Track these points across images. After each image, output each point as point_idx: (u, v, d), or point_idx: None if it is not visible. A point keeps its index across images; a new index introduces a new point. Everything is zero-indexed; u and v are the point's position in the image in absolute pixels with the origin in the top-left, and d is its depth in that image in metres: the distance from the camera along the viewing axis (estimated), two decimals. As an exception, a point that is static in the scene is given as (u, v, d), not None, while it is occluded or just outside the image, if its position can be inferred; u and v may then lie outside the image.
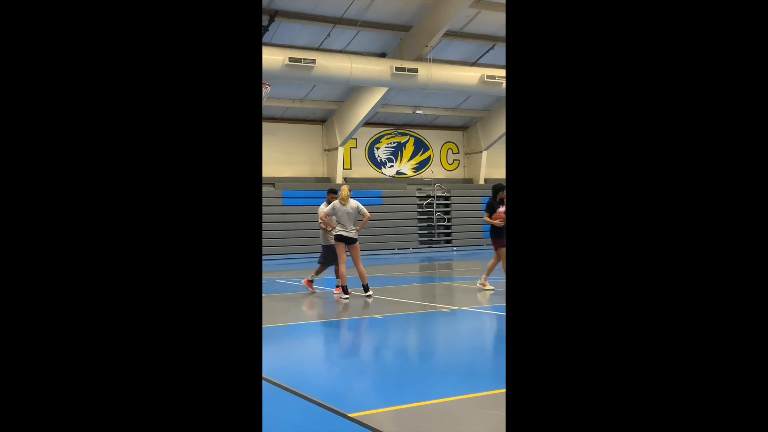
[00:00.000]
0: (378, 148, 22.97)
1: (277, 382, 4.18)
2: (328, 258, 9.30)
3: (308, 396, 3.79)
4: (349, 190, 8.84)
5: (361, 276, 8.79)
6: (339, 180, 21.34)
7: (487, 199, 9.09)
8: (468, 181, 24.41)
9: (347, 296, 8.66)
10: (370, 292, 8.65)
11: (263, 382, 4.26)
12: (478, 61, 18.87)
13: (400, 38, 17.75)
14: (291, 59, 15.53)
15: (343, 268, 8.81)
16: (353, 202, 8.68)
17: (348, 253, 8.76)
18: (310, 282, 9.51)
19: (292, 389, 3.96)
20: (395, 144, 23.25)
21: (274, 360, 5.27)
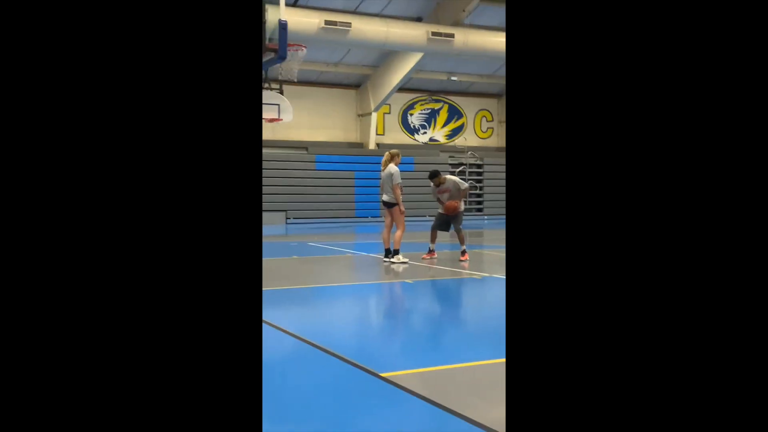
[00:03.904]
0: (411, 115, 22.84)
1: (309, 340, 4.27)
2: (434, 222, 9.40)
3: (340, 354, 3.86)
4: (389, 155, 8.86)
5: (384, 240, 8.91)
6: (372, 146, 21.32)
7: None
8: (501, 150, 24.19)
9: (387, 260, 8.75)
10: (392, 258, 8.72)
11: (297, 340, 4.35)
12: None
13: (436, 2, 17.51)
14: (327, 22, 15.44)
15: (385, 232, 8.92)
16: (389, 168, 8.71)
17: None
18: (431, 251, 9.39)
19: (325, 348, 4.04)
20: (429, 110, 23.09)
21: (306, 320, 5.37)
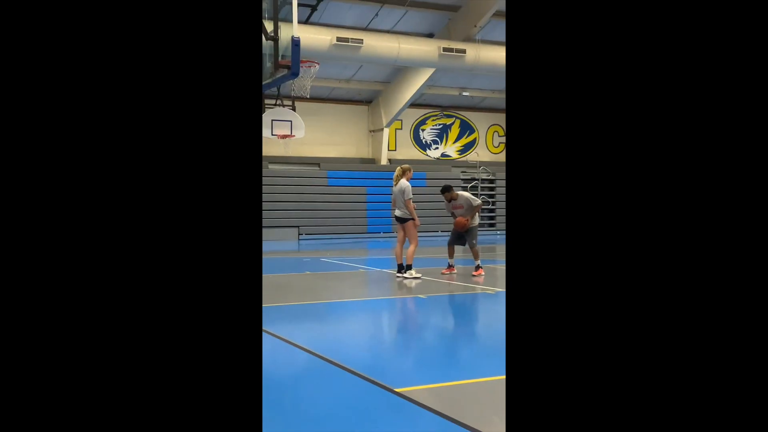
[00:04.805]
0: (423, 130, 22.89)
1: (323, 356, 4.25)
2: (450, 237, 9.43)
3: (355, 370, 3.84)
4: (401, 170, 8.89)
5: (397, 255, 8.91)
6: (384, 161, 21.37)
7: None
8: (513, 165, 24.15)
9: (399, 275, 8.73)
10: (404, 273, 8.70)
11: (311, 356, 4.34)
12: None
13: (448, 18, 17.59)
14: (339, 39, 15.55)
15: (398, 248, 8.92)
16: (401, 184, 8.73)
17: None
18: (450, 266, 9.37)
19: (339, 363, 4.02)
20: (441, 126, 23.13)
21: (320, 335, 5.35)
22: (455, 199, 9.17)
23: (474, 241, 9.19)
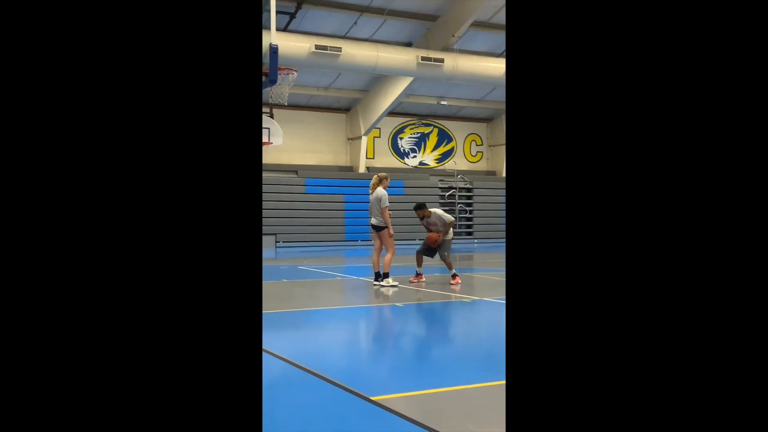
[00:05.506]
0: (401, 138, 22.94)
1: (299, 364, 4.23)
2: (420, 247, 9.41)
3: (330, 378, 3.82)
4: (378, 179, 8.90)
5: (374, 264, 8.93)
6: (362, 169, 21.37)
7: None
8: (491, 174, 24.30)
9: (376, 283, 8.73)
10: (381, 282, 8.70)
11: (287, 364, 4.31)
12: (505, 53, 18.74)
13: (426, 28, 17.69)
14: (317, 47, 15.55)
15: (375, 256, 8.92)
16: (377, 192, 8.74)
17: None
18: (418, 275, 9.33)
19: (315, 371, 4.00)
20: (419, 134, 23.20)
21: (296, 343, 5.32)
22: (428, 217, 9.21)
23: (446, 253, 9.22)
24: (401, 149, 22.96)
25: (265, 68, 9.17)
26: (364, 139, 21.35)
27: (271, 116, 14.30)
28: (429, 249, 9.28)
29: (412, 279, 9.22)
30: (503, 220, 21.71)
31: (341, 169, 21.80)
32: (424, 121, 23.18)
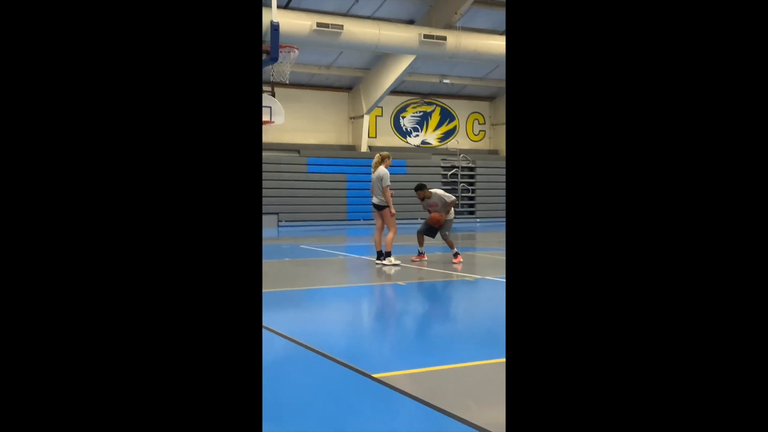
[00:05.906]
0: (404, 117, 22.86)
1: (302, 342, 4.25)
2: (421, 226, 9.41)
3: (333, 356, 3.84)
4: (380, 158, 8.87)
5: (376, 243, 8.94)
6: (364, 149, 21.32)
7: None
8: (493, 153, 24.23)
9: (379, 262, 8.75)
10: (383, 261, 8.72)
11: (290, 342, 4.33)
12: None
13: (429, 5, 17.54)
14: (319, 24, 15.44)
15: (377, 235, 8.93)
16: (379, 171, 8.72)
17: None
18: (420, 254, 9.34)
19: (317, 349, 4.03)
20: (421, 113, 23.11)
21: (299, 322, 5.35)
22: (429, 198, 9.19)
23: (447, 233, 9.22)
24: (403, 128, 22.88)
25: (266, 46, 9.10)
26: (366, 118, 21.26)
27: (273, 95, 14.23)
28: (430, 228, 9.28)
29: (414, 258, 9.24)
30: (504, 200, 21.70)
31: (343, 148, 21.75)
32: (426, 100, 23.07)
